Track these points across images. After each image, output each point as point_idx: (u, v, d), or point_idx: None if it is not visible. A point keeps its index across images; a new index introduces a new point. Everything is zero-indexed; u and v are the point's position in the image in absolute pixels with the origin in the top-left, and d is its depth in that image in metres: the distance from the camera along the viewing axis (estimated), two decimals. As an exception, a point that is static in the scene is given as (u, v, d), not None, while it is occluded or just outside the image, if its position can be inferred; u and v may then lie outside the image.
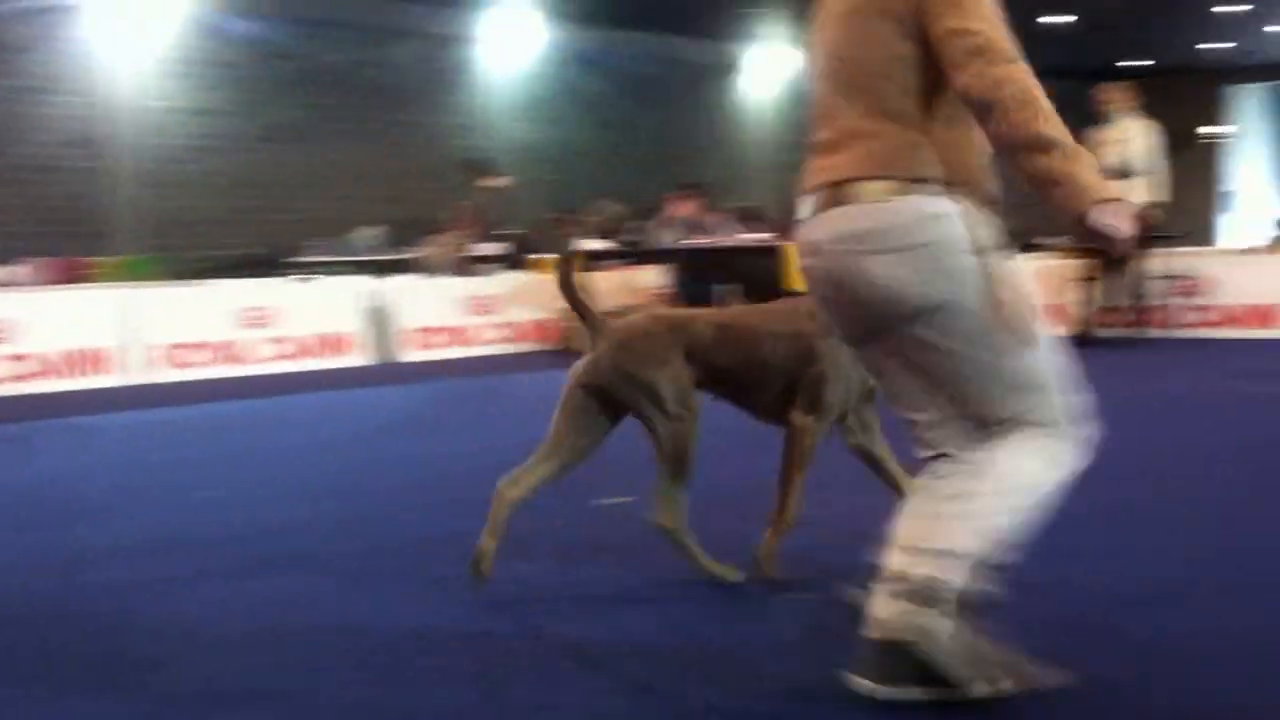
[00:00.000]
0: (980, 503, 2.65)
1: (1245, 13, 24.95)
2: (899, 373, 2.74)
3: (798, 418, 3.69)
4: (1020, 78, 2.56)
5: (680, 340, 3.73)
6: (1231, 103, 33.50)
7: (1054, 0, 23.74)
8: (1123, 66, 30.98)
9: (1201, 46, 29.29)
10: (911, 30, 2.65)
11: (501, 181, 15.32)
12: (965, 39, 2.56)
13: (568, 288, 3.81)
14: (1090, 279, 11.57)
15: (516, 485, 3.81)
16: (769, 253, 12.86)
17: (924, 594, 2.62)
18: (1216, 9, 24.63)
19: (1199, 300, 12.08)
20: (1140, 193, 10.85)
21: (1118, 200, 2.50)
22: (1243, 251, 15.79)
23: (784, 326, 3.74)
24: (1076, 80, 32.32)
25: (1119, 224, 2.49)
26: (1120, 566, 3.91)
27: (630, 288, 13.84)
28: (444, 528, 4.75)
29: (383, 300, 12.29)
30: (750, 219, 15.97)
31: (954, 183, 2.68)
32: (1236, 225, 32.29)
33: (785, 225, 13.19)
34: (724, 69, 25.95)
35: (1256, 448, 6.01)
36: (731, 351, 3.74)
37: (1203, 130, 32.80)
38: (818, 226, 2.79)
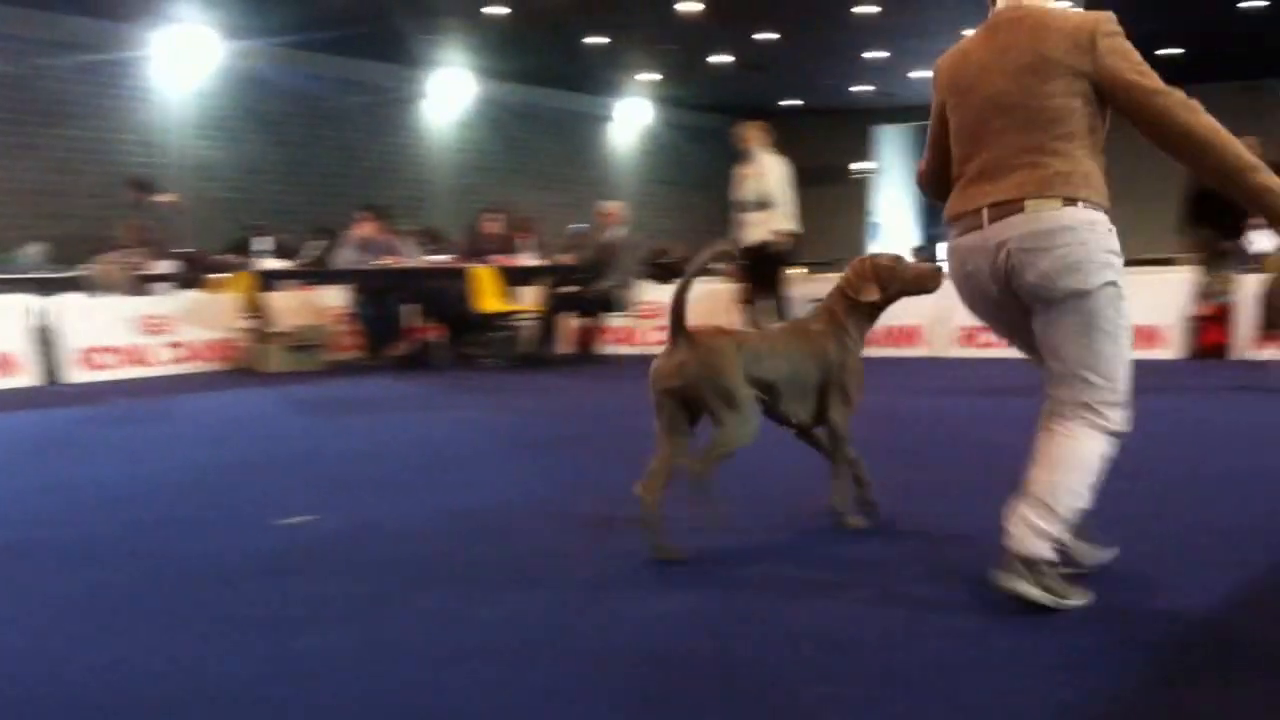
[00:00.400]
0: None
1: (888, 59, 26.63)
2: (1050, 334, 3.56)
3: (836, 414, 4.48)
4: (1214, 122, 3.44)
5: (741, 354, 4.27)
6: (877, 141, 35.61)
7: (716, 42, 24.72)
8: (782, 105, 32.49)
9: (853, 89, 31.00)
10: (1081, 88, 3.49)
11: (168, 198, 15.01)
12: (1166, 97, 3.43)
13: (678, 304, 4.23)
14: (748, 301, 12.26)
15: (650, 491, 4.20)
16: (453, 275, 13.04)
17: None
18: (865, 54, 26.18)
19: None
20: (775, 222, 11.66)
21: None
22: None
23: (808, 345, 4.47)
24: (738, 116, 33.64)
25: None
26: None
27: (311, 308, 13.81)
28: (114, 551, 4.69)
29: (49, 319, 11.87)
30: (432, 241, 16.12)
31: (1098, 203, 3.51)
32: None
33: (468, 247, 13.46)
34: (407, 93, 25.97)
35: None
36: (775, 367, 4.37)
37: (853, 166, 34.71)
38: (1002, 230, 3.55)
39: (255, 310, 12.67)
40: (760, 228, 11.73)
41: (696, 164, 32.21)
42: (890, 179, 36.35)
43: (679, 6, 20.88)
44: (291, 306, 13.63)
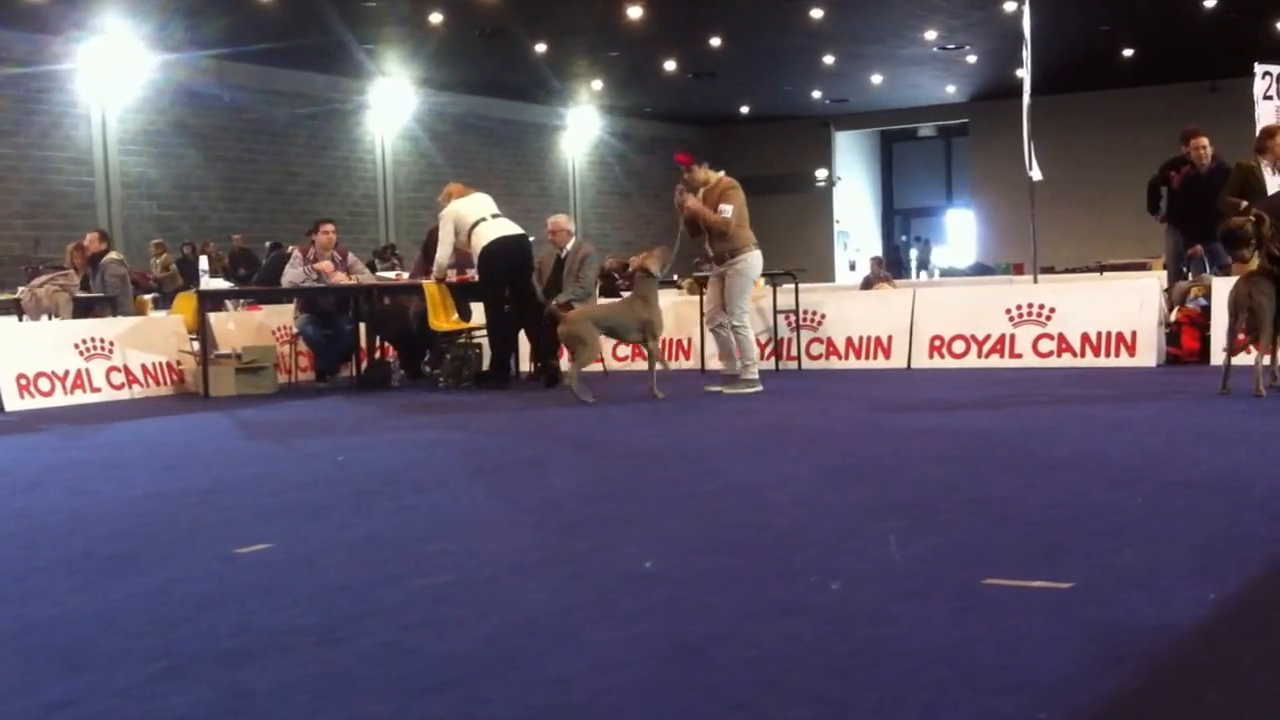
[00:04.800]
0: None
1: (842, 64, 26.43)
2: None
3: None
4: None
5: None
6: (836, 148, 35.44)
7: (663, 49, 24.49)
8: (737, 113, 32.35)
9: (812, 95, 30.81)
10: None
11: (116, 256, 14.34)
12: None
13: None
14: None
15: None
16: (404, 292, 12.64)
17: None
18: (821, 59, 25.96)
19: (820, 333, 12.61)
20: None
21: None
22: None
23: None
24: (692, 124, 33.44)
25: None
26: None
27: (255, 327, 13.37)
28: (60, 585, 4.33)
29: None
30: (383, 258, 15.69)
31: None
32: (849, 261, 34.20)
33: (422, 264, 13.02)
34: (348, 105, 25.53)
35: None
36: None
37: (817, 173, 34.56)
38: None
39: (200, 332, 12.09)
40: None
41: (649, 175, 31.95)
42: (850, 186, 36.22)
43: (623, 11, 20.57)
44: (239, 327, 13.18)
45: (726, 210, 10.05)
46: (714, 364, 10.61)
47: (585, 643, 3.39)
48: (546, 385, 11.58)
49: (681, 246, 10.48)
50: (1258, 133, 11.48)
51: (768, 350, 12.70)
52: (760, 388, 10.20)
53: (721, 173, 10.38)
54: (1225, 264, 11.58)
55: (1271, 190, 10.59)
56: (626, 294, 11.35)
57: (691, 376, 11.89)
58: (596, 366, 12.94)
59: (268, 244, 20.45)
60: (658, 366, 10.08)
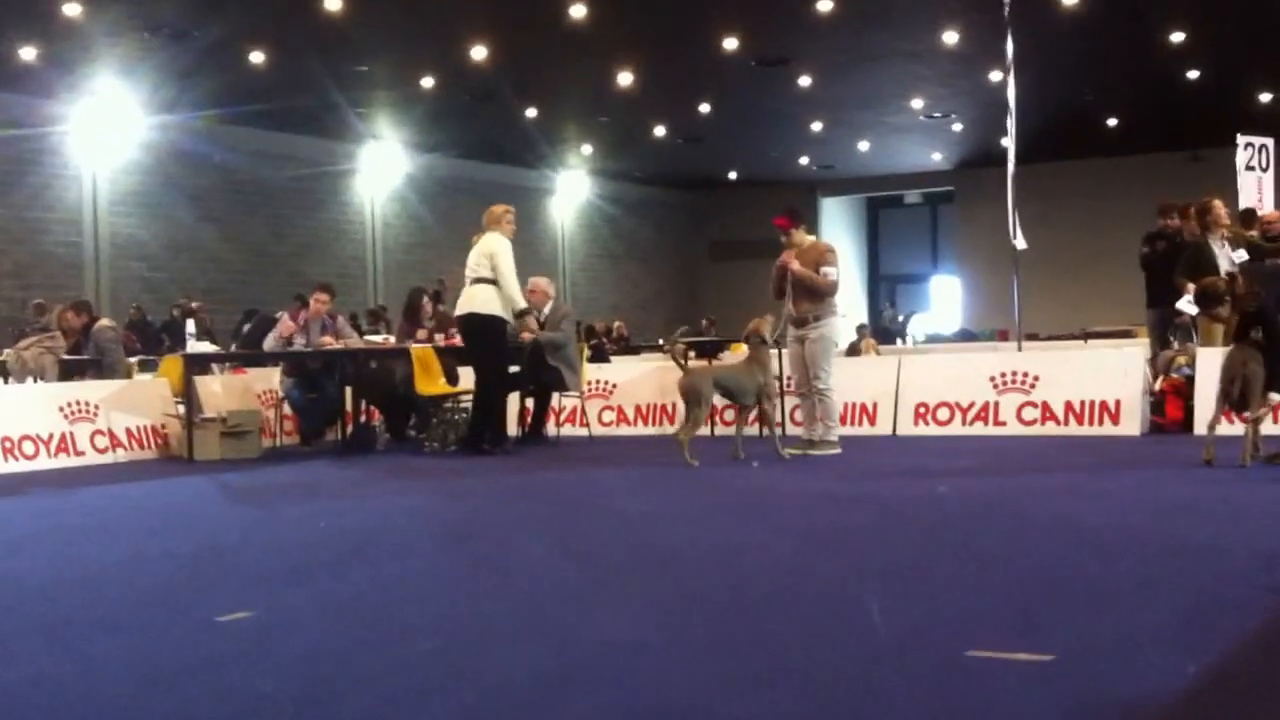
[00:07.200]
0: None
1: (828, 131, 26.62)
2: None
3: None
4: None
5: None
6: (822, 213, 35.58)
7: (653, 114, 24.67)
8: (725, 179, 32.55)
9: (799, 161, 30.98)
10: None
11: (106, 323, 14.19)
12: None
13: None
14: None
15: None
16: (390, 355, 12.64)
17: None
18: (813, 125, 26.14)
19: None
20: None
21: None
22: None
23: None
24: (680, 189, 33.60)
25: None
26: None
27: (241, 390, 13.35)
28: (42, 652, 4.29)
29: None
30: (373, 320, 15.68)
31: None
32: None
33: (407, 327, 13.03)
34: (338, 167, 25.64)
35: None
36: None
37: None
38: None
39: (185, 395, 12.03)
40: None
41: (637, 238, 32.11)
42: (837, 252, 36.31)
43: (614, 78, 20.73)
44: (222, 389, 13.16)
45: (831, 273, 10.29)
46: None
47: (566, 711, 3.38)
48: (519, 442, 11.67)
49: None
50: (1194, 210, 11.61)
51: (751, 416, 12.68)
52: (840, 450, 10.27)
53: (816, 236, 10.52)
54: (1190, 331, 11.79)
55: (1222, 264, 10.76)
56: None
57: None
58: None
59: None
60: (773, 430, 10.42)
